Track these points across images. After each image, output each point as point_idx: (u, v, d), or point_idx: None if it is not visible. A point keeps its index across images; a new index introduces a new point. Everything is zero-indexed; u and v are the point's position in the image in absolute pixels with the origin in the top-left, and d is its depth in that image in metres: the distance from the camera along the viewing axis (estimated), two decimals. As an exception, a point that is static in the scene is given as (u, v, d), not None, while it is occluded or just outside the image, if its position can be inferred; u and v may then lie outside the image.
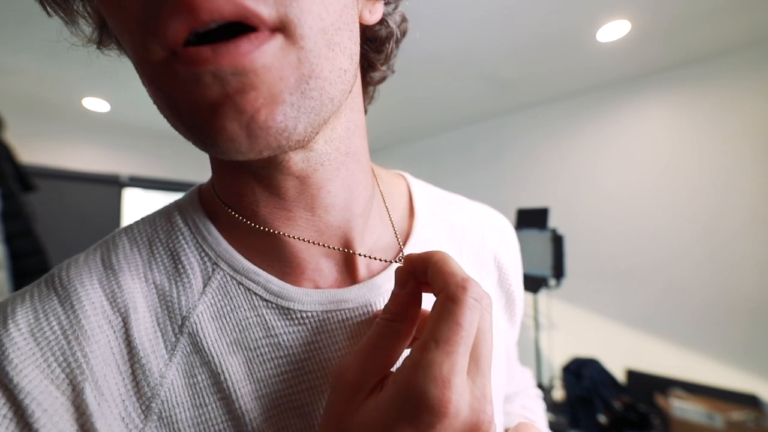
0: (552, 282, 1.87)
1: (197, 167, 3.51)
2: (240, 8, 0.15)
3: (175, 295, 0.24)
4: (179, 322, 0.23)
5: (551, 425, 1.84)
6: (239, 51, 0.15)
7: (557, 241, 1.86)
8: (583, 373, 1.88)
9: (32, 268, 1.17)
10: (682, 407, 1.49)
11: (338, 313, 0.24)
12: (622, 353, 2.00)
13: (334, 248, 0.25)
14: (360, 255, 0.26)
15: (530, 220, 2.00)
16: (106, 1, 0.16)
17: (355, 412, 0.18)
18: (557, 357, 2.25)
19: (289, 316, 0.24)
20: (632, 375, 1.88)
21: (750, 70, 1.72)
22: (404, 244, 0.29)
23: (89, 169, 2.83)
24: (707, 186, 1.81)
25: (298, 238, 0.24)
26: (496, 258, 0.35)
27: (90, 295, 0.22)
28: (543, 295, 2.23)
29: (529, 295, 2.35)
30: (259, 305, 0.24)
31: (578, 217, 2.24)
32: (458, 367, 0.17)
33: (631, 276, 2.02)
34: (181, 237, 0.26)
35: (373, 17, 0.24)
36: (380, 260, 0.26)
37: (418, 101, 2.37)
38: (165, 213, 0.28)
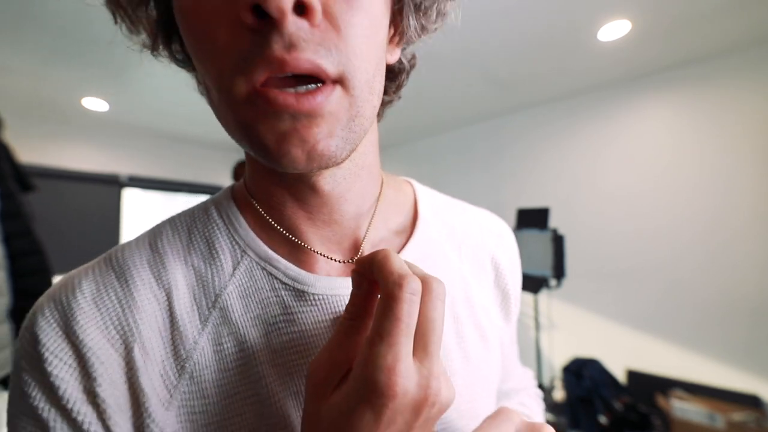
0: (552, 282, 1.87)
1: (196, 167, 3.51)
2: (315, 66, 0.20)
3: (209, 276, 0.28)
4: (212, 299, 0.27)
5: (551, 426, 1.84)
6: (315, 100, 0.20)
7: (558, 241, 1.86)
8: (583, 374, 1.88)
9: (31, 268, 1.16)
10: (682, 408, 1.48)
11: (344, 297, 0.28)
12: (623, 353, 2.00)
13: (340, 261, 0.30)
14: (354, 259, 0.30)
15: (531, 220, 2.00)
16: (203, 41, 0.21)
17: (326, 402, 0.21)
18: (558, 357, 2.25)
19: (303, 298, 0.28)
20: (633, 375, 1.87)
21: (750, 70, 1.72)
22: (406, 243, 0.33)
23: (89, 169, 2.83)
24: (708, 186, 1.81)
25: (314, 251, 0.29)
26: (493, 259, 0.38)
27: (141, 273, 0.27)
28: (543, 295, 2.23)
29: (530, 296, 2.34)
30: (279, 287, 0.28)
31: (579, 217, 2.24)
32: (401, 355, 0.19)
33: (632, 276, 2.01)
34: (215, 227, 0.30)
35: (392, 58, 0.29)
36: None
37: (418, 101, 2.36)
38: (203, 207, 0.32)
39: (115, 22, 0.26)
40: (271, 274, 0.28)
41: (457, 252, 0.36)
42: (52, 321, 0.25)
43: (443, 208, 0.39)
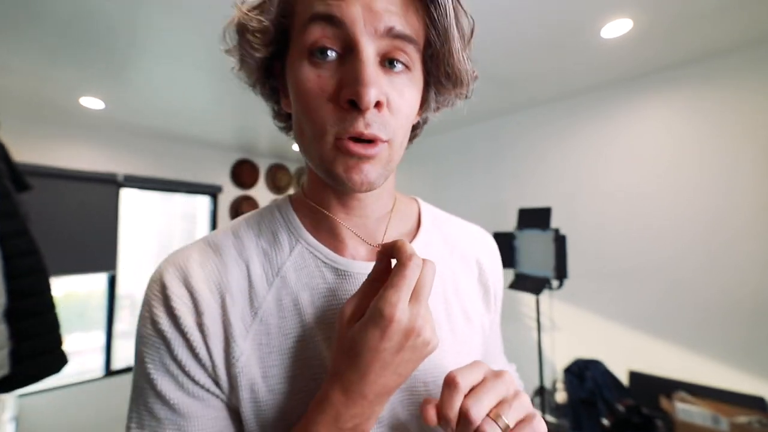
0: (554, 283, 1.85)
1: (194, 167, 3.50)
2: (376, 136, 0.33)
3: (273, 255, 0.41)
4: (276, 270, 0.41)
5: (554, 428, 1.82)
6: (374, 150, 0.34)
7: (560, 242, 1.85)
8: (585, 375, 1.86)
9: (27, 268, 1.14)
10: (686, 410, 1.47)
11: (362, 275, 0.41)
12: (625, 355, 1.99)
13: (368, 243, 0.44)
14: (377, 245, 0.44)
15: (532, 220, 1.98)
16: (311, 107, 0.34)
17: (349, 330, 0.33)
18: (559, 358, 2.23)
19: (338, 273, 0.41)
20: (635, 377, 1.86)
21: (751, 70, 1.71)
22: (410, 242, 0.46)
23: (86, 168, 2.81)
24: (709, 186, 1.80)
25: (348, 228, 0.43)
26: (478, 261, 0.51)
27: (229, 250, 0.41)
28: (545, 296, 2.22)
29: (531, 297, 2.33)
30: (321, 265, 0.41)
31: (581, 217, 2.23)
32: (402, 297, 0.31)
33: (634, 276, 2.00)
34: (278, 223, 0.44)
35: (414, 121, 0.42)
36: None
37: (419, 101, 2.35)
38: (269, 209, 0.46)
39: (240, 69, 0.40)
40: (316, 257, 0.41)
41: (450, 253, 0.49)
42: (174, 276, 0.38)
43: (441, 221, 0.52)
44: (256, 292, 0.39)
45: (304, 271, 0.40)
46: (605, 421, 1.65)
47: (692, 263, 1.82)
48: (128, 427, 0.37)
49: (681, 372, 1.80)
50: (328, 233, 0.43)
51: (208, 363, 0.36)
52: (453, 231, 0.51)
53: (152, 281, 0.38)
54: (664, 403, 1.63)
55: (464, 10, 0.36)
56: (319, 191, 0.43)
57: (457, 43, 0.35)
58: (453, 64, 0.36)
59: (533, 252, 1.95)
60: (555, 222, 2.18)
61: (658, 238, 1.93)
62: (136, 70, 1.98)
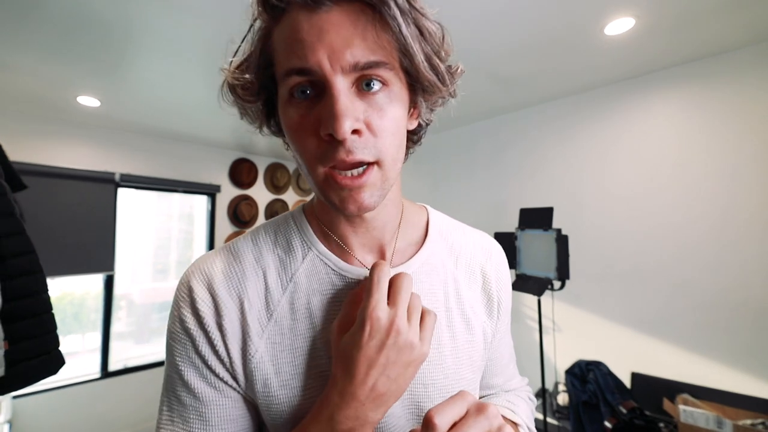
0: (557, 284, 1.84)
1: (192, 166, 3.47)
2: (360, 160, 0.34)
3: (288, 262, 0.45)
4: (290, 276, 0.44)
5: (555, 431, 1.80)
6: (362, 180, 0.35)
7: (562, 242, 1.83)
8: (588, 377, 1.85)
9: (23, 268, 1.12)
10: (690, 412, 1.46)
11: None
12: (628, 356, 1.98)
13: (367, 263, 0.46)
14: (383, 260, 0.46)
15: (534, 220, 1.97)
16: (300, 143, 0.36)
17: (341, 339, 0.38)
18: (561, 360, 2.22)
19: (345, 280, 0.44)
20: (638, 379, 1.85)
21: (756, 68, 1.70)
22: (417, 252, 0.48)
23: (84, 167, 2.78)
24: (714, 185, 1.79)
25: (355, 257, 0.45)
26: (482, 270, 0.52)
27: (248, 258, 0.44)
28: (547, 296, 2.21)
29: (533, 298, 2.32)
30: (330, 272, 0.44)
31: (583, 217, 2.22)
32: (378, 299, 0.37)
33: (637, 277, 1.99)
34: (292, 232, 0.47)
35: (411, 126, 0.43)
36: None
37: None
38: (284, 218, 0.49)
39: (241, 118, 0.44)
40: (326, 264, 0.45)
41: (454, 262, 0.51)
42: (200, 281, 0.42)
43: (447, 229, 0.53)
44: (272, 296, 0.43)
45: (315, 277, 0.44)
46: (607, 424, 1.63)
47: (696, 264, 1.81)
48: (161, 410, 0.42)
49: (684, 374, 1.79)
50: (337, 243, 0.46)
51: (226, 358, 0.40)
52: (459, 240, 0.53)
53: (181, 284, 0.43)
54: (667, 405, 1.62)
55: (425, 23, 0.37)
56: (326, 209, 0.45)
57: (419, 56, 0.36)
58: (423, 74, 0.37)
59: (535, 252, 1.94)
60: (557, 222, 2.17)
61: (662, 238, 1.92)
62: (132, 68, 1.96)
